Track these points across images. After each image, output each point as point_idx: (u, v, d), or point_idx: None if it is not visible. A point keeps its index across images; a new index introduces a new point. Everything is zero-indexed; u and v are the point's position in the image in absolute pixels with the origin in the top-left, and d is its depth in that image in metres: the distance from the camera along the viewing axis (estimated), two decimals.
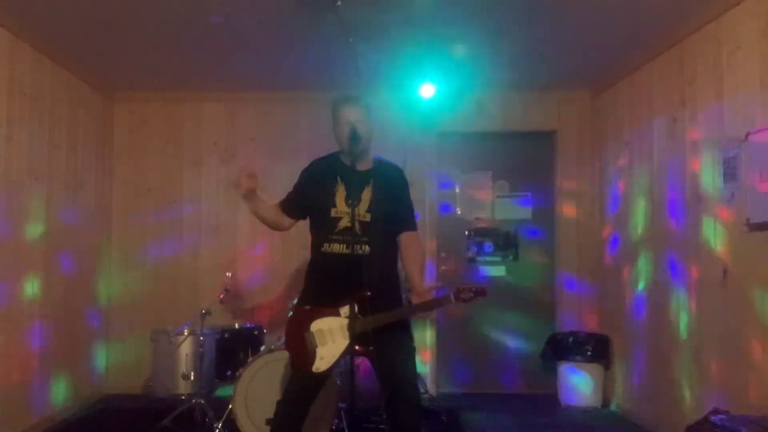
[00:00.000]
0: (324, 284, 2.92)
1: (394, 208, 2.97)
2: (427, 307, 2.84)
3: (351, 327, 2.77)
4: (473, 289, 2.76)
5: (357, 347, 2.80)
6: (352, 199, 2.84)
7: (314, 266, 3.00)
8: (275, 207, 3.06)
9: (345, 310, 2.81)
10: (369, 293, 2.71)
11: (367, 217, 2.87)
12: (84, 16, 3.82)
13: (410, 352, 2.95)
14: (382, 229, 2.91)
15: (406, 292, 3.31)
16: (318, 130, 5.18)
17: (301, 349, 2.90)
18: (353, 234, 2.80)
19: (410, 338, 2.99)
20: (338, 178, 2.94)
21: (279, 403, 3.03)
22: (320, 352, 2.86)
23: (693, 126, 3.82)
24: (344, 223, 2.88)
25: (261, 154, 5.51)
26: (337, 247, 2.89)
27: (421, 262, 3.01)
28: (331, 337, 2.84)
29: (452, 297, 2.75)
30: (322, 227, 2.94)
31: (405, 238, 3.00)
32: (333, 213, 2.91)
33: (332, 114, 3.00)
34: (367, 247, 2.83)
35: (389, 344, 2.82)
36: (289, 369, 3.17)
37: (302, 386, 2.96)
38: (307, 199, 3.01)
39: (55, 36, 4.15)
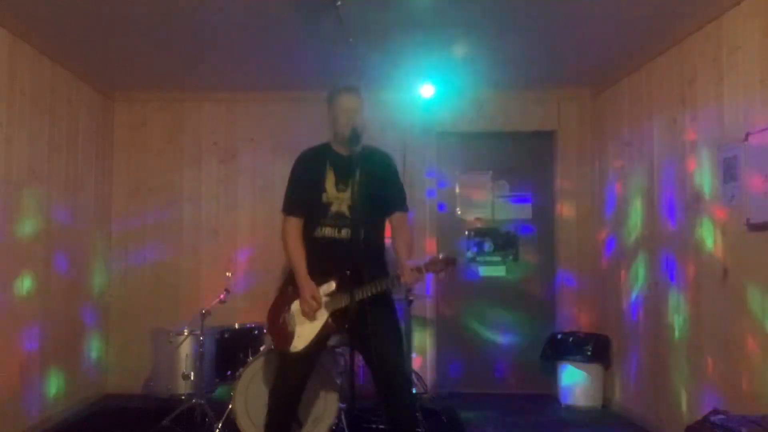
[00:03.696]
0: (314, 268, 2.97)
1: (382, 191, 3.04)
2: (395, 282, 2.86)
3: (329, 304, 2.90)
4: (443, 259, 2.86)
5: (332, 323, 2.90)
6: (342, 184, 2.94)
7: (307, 248, 3.03)
8: (302, 244, 3.04)
9: (324, 288, 2.93)
10: (348, 272, 2.80)
11: (357, 201, 2.91)
12: (84, 16, 3.82)
13: (397, 336, 2.99)
14: (371, 212, 2.97)
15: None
16: (318, 130, 5.11)
17: (281, 329, 3.00)
18: (343, 218, 2.92)
19: (396, 319, 3.04)
20: (327, 165, 3.02)
21: (270, 395, 3.12)
22: (298, 330, 2.94)
23: (693, 126, 3.82)
24: (335, 208, 2.97)
25: (261, 154, 5.52)
26: (329, 231, 2.97)
27: (407, 241, 3.07)
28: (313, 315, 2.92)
29: (423, 268, 2.83)
30: (314, 213, 3.01)
31: (394, 219, 3.09)
32: (324, 199, 2.99)
33: (329, 102, 3.09)
34: (356, 229, 2.88)
35: (378, 335, 2.82)
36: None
37: (290, 374, 3.02)
38: (303, 190, 3.06)
39: (55, 36, 4.15)
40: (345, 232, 2.92)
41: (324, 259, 2.95)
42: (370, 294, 2.81)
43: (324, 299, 2.92)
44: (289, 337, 2.95)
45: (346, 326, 2.89)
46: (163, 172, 5.53)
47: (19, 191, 4.03)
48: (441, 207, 5.57)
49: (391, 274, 2.91)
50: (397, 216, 3.09)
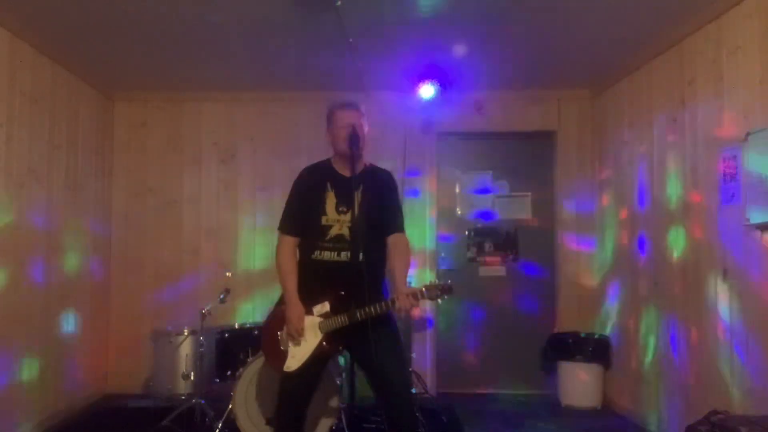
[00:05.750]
0: (312, 289, 2.93)
1: (382, 213, 2.99)
2: (390, 307, 2.80)
3: (323, 325, 2.86)
4: (440, 287, 2.79)
5: (326, 345, 2.86)
6: (342, 206, 2.89)
7: (303, 270, 3.00)
8: (294, 264, 3.01)
9: (318, 309, 2.89)
10: (342, 293, 2.78)
11: (357, 224, 2.88)
12: (84, 16, 3.82)
13: (397, 351, 2.94)
14: (370, 234, 2.92)
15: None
16: (318, 130, 5.10)
17: (274, 348, 2.96)
18: (343, 241, 2.87)
19: (396, 335, 2.97)
20: (328, 186, 2.97)
21: (275, 416, 3.08)
22: (292, 350, 2.91)
23: (693, 126, 3.82)
24: (335, 230, 2.92)
25: (261, 154, 5.52)
26: (328, 255, 2.92)
27: (404, 263, 2.98)
28: (304, 336, 2.89)
29: (419, 294, 2.77)
30: (314, 234, 2.95)
31: (392, 240, 3.02)
32: (324, 221, 2.94)
33: (329, 117, 3.03)
34: (355, 253, 2.85)
35: (376, 346, 2.77)
36: None
37: (292, 389, 2.98)
38: (302, 210, 3.02)
39: (55, 36, 4.15)
40: (345, 255, 2.87)
41: (322, 282, 2.90)
42: (363, 316, 2.75)
43: (317, 320, 2.87)
44: (282, 355, 2.92)
45: (341, 348, 2.88)
46: (163, 171, 5.53)
47: (20, 191, 4.03)
48: (441, 207, 5.57)
49: (389, 298, 2.84)
50: (393, 237, 3.01)
